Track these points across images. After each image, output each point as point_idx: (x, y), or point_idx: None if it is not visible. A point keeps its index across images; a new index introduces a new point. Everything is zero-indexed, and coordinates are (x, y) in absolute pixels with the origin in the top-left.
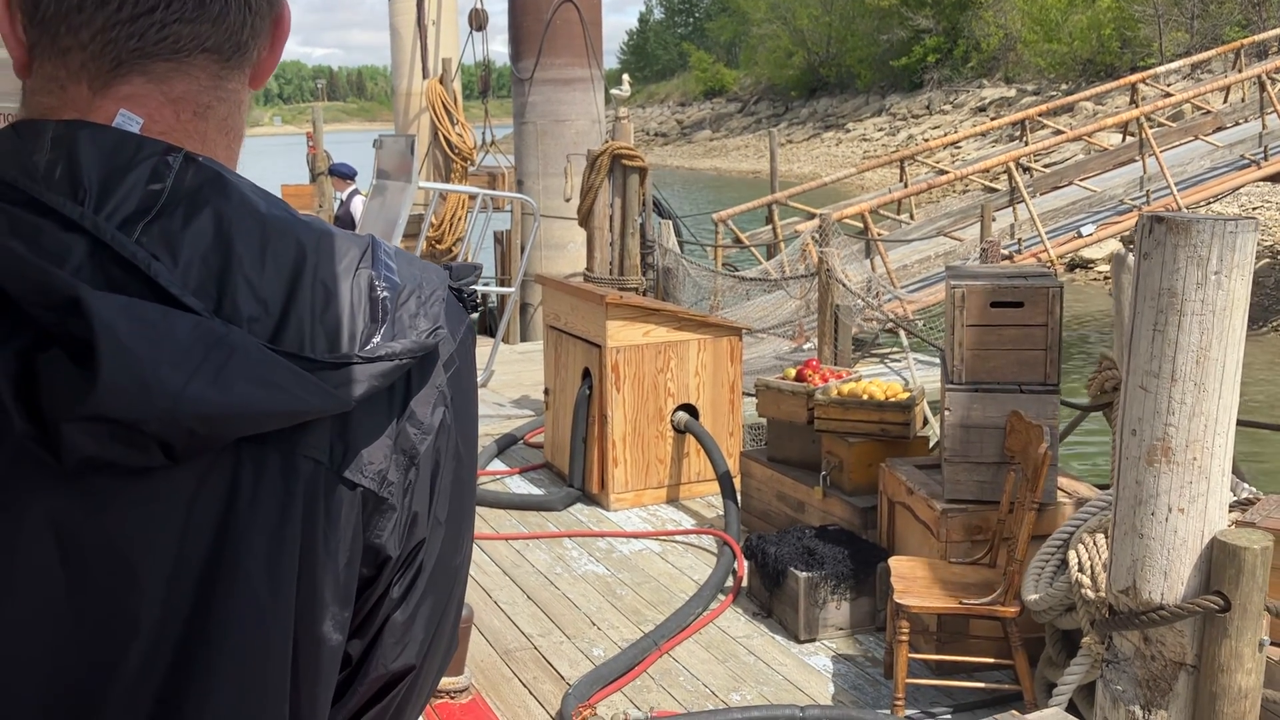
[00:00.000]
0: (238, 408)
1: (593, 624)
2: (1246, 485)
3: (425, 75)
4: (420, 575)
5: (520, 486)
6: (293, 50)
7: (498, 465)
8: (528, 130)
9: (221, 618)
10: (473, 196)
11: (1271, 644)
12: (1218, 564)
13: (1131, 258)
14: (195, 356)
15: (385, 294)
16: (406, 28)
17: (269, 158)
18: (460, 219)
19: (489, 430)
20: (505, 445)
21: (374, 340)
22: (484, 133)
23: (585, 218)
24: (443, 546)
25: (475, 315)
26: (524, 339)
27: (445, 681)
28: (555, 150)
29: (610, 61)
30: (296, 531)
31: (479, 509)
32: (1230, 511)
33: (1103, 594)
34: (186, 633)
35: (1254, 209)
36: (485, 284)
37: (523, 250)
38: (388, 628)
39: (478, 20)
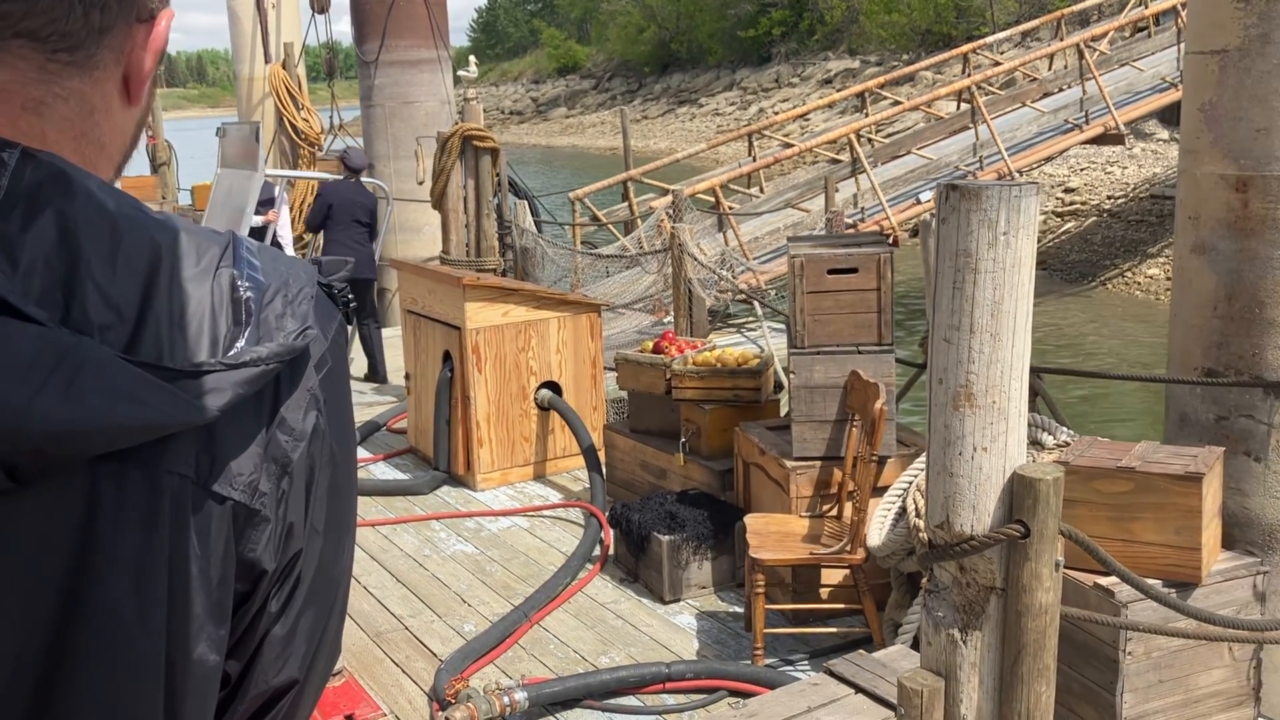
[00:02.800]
0: (91, 423)
1: (463, 602)
2: (1065, 429)
3: (267, 59)
4: (299, 587)
5: (385, 473)
6: None
7: (361, 453)
8: (376, 113)
9: (86, 646)
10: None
11: (1066, 566)
12: (1018, 496)
13: (934, 222)
14: (41, 371)
15: (249, 294)
16: (245, 10)
17: None
18: (309, 205)
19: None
20: (368, 433)
21: (238, 344)
22: (331, 116)
23: (439, 200)
24: (322, 555)
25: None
26: (382, 325)
27: None
28: (405, 133)
29: (460, 39)
30: (164, 551)
31: None
32: (1051, 452)
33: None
34: (48, 663)
35: (1080, 170)
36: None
37: (377, 236)
38: (267, 643)
39: (319, 3)
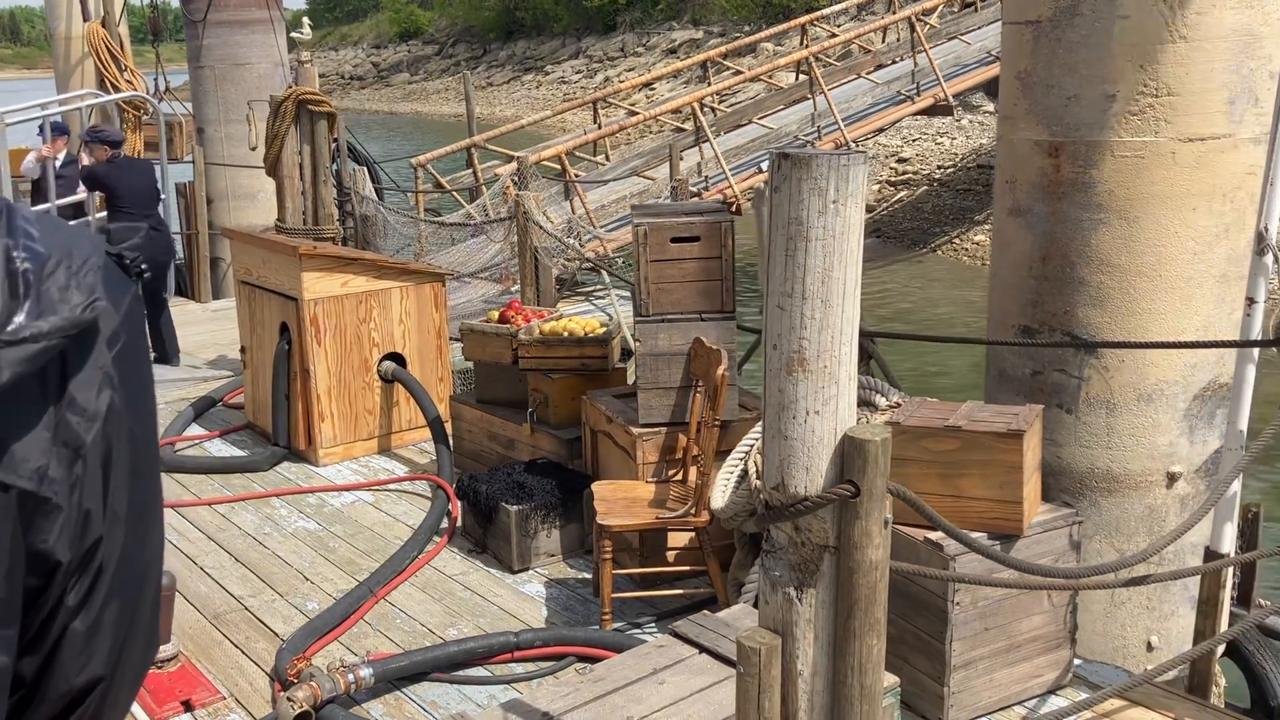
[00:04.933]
0: None
1: (306, 579)
2: (897, 390)
3: (86, 17)
4: (101, 578)
5: (222, 450)
6: None
7: (196, 429)
8: (205, 75)
9: None
10: (148, 147)
11: (898, 522)
12: (848, 456)
13: (768, 191)
14: None
15: (27, 265)
16: None
17: None
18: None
19: (184, 394)
20: (203, 408)
21: (16, 319)
22: (156, 79)
23: (273, 167)
24: (125, 544)
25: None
26: (216, 296)
27: None
28: (236, 96)
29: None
30: None
31: (179, 475)
32: (882, 413)
33: None
34: None
35: (913, 141)
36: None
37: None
38: (67, 639)
39: None
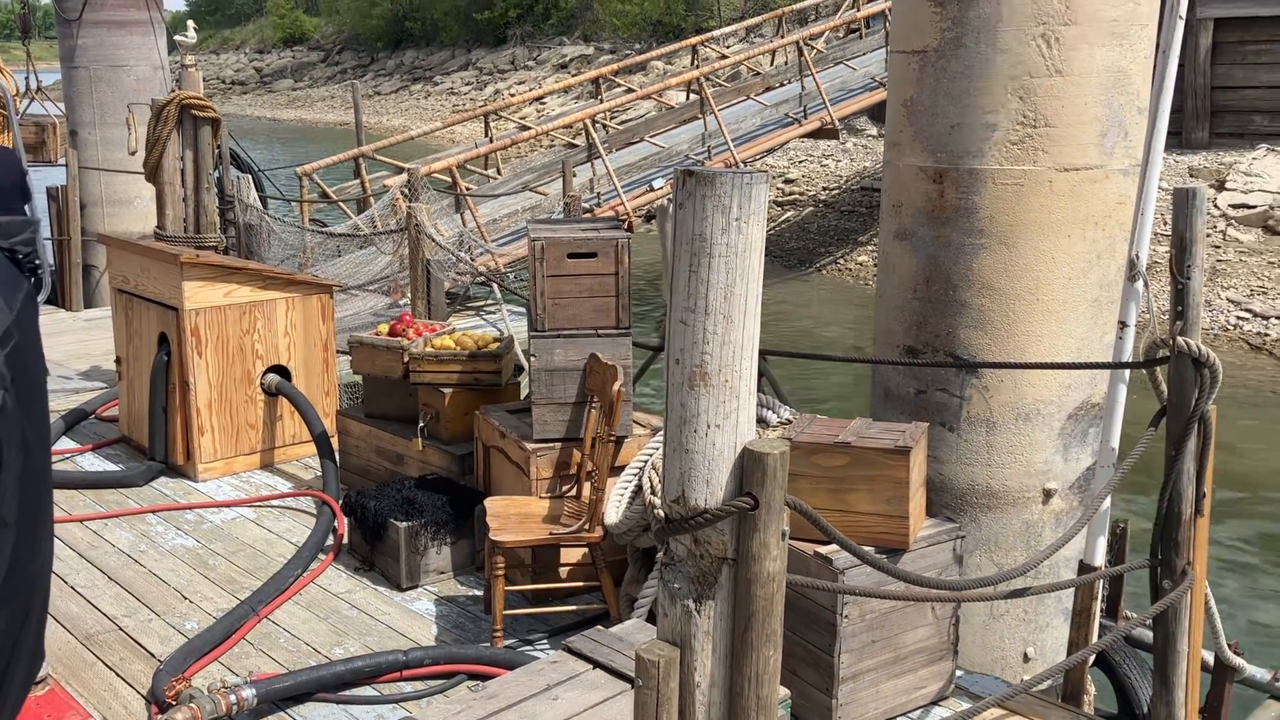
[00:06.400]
0: None
1: (184, 598)
2: (788, 408)
3: None
4: None
5: (95, 464)
6: None
7: (67, 443)
8: (79, 76)
9: None
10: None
11: (792, 537)
12: (748, 470)
13: (672, 208)
14: None
15: None
16: None
17: None
18: None
19: (55, 406)
20: (75, 421)
21: None
22: (27, 78)
23: (153, 173)
24: (15, 551)
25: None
26: (89, 305)
27: None
28: (113, 99)
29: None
30: None
31: None
32: (775, 429)
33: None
34: None
35: (799, 162)
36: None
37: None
38: None
39: None
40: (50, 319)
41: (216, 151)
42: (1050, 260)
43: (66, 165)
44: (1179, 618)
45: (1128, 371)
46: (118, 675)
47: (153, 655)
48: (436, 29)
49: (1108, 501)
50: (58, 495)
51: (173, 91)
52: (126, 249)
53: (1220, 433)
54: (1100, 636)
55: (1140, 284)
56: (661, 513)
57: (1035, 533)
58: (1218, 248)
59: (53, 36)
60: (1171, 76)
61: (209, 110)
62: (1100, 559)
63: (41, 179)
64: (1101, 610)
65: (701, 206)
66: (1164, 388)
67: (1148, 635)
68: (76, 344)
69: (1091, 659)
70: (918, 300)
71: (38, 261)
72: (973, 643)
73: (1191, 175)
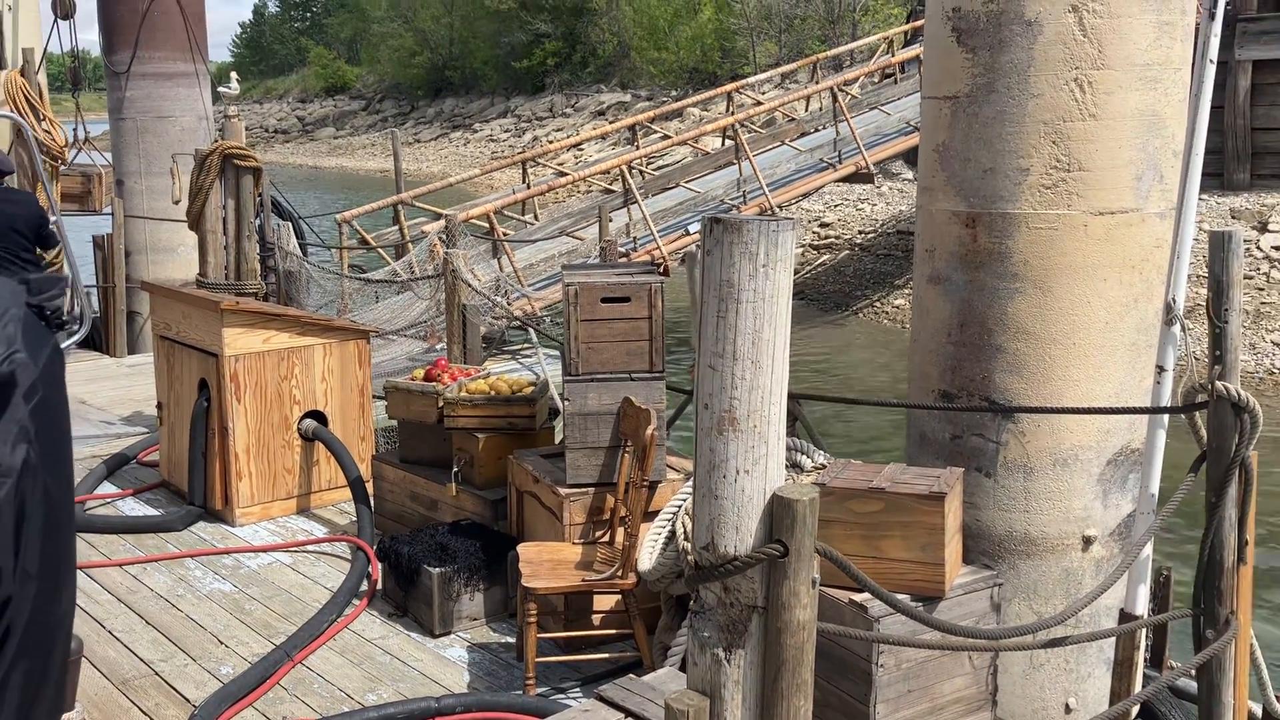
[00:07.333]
0: None
1: (220, 643)
2: (822, 452)
3: (2, 65)
4: (9, 638)
5: (135, 509)
6: None
7: (108, 488)
8: (126, 127)
9: None
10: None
11: (823, 584)
12: (777, 516)
13: (700, 254)
14: None
15: None
16: None
17: None
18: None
19: (97, 451)
20: (116, 466)
21: None
22: (76, 129)
23: (196, 221)
24: (36, 601)
25: (78, 333)
26: (132, 351)
27: None
28: (158, 149)
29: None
30: None
31: (89, 535)
32: (808, 474)
33: None
34: None
35: (835, 206)
36: (87, 292)
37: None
38: None
39: (63, 8)
40: (94, 365)
41: (258, 199)
42: (1086, 304)
43: (112, 214)
44: (1223, 668)
45: (1166, 417)
46: None
47: (188, 700)
48: (476, 77)
49: (1149, 548)
50: (98, 540)
51: (216, 141)
52: (169, 296)
53: (1264, 478)
54: (1144, 687)
55: (1178, 328)
56: (693, 559)
57: (1075, 580)
58: (1261, 289)
59: (103, 88)
60: (1204, 119)
61: (251, 160)
62: (1142, 607)
63: (87, 227)
64: (1146, 660)
65: (729, 253)
66: (1204, 433)
67: (1193, 686)
68: (119, 389)
69: (1136, 710)
70: (952, 345)
71: (64, 317)
72: (1013, 693)
73: (1233, 217)
